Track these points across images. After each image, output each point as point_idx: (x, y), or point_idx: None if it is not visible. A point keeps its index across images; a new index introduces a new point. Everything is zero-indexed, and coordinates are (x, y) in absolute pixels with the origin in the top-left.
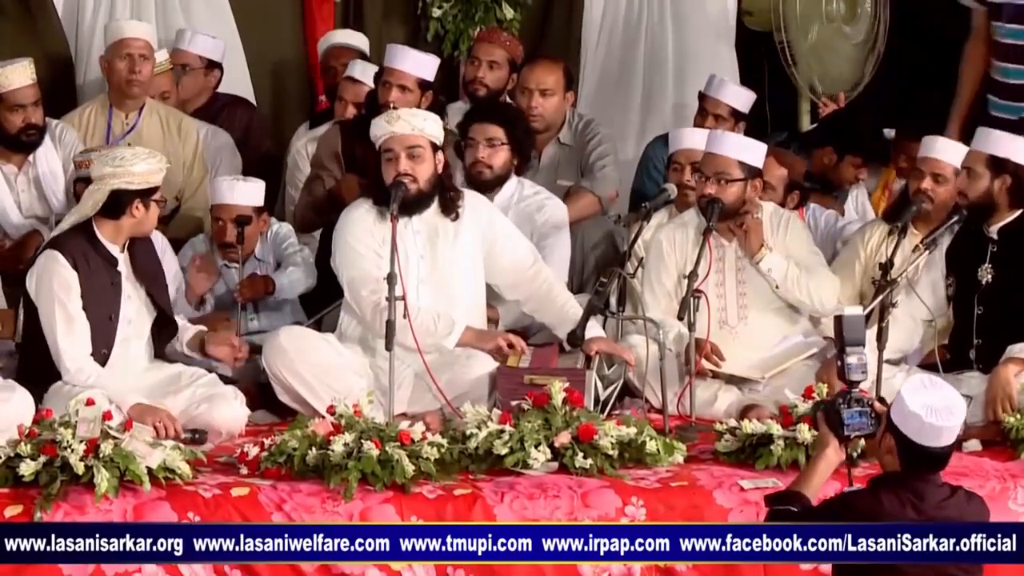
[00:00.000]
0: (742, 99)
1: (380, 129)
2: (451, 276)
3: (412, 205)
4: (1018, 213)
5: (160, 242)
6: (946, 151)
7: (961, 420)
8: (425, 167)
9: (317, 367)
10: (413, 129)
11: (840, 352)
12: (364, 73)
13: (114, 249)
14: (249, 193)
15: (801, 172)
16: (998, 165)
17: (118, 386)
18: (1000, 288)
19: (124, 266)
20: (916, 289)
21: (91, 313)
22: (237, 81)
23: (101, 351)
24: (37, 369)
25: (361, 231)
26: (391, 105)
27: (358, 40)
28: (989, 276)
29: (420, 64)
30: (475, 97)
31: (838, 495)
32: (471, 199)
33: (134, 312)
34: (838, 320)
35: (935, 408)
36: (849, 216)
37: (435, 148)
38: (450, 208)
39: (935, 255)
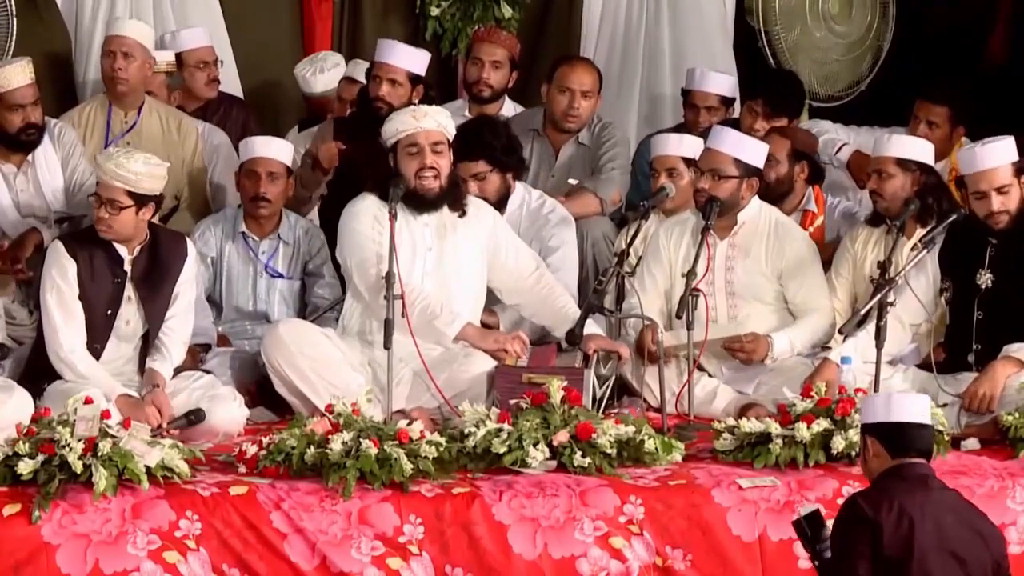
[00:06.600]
0: (727, 85)
1: (404, 124)
2: (456, 271)
3: (433, 201)
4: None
5: (192, 254)
6: (884, 146)
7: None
8: (446, 163)
9: (316, 361)
10: (438, 126)
11: (813, 548)
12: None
13: (122, 250)
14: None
15: (807, 143)
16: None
17: (108, 378)
18: (1000, 292)
19: (131, 268)
20: (910, 286)
21: (88, 305)
22: (226, 80)
23: (94, 345)
24: (45, 366)
25: (368, 218)
26: (382, 99)
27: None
28: (989, 281)
29: (410, 58)
30: (479, 98)
31: (846, 502)
32: (476, 204)
33: (132, 314)
34: (798, 524)
35: (893, 387)
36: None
37: (449, 145)
38: (458, 203)
39: (924, 258)
